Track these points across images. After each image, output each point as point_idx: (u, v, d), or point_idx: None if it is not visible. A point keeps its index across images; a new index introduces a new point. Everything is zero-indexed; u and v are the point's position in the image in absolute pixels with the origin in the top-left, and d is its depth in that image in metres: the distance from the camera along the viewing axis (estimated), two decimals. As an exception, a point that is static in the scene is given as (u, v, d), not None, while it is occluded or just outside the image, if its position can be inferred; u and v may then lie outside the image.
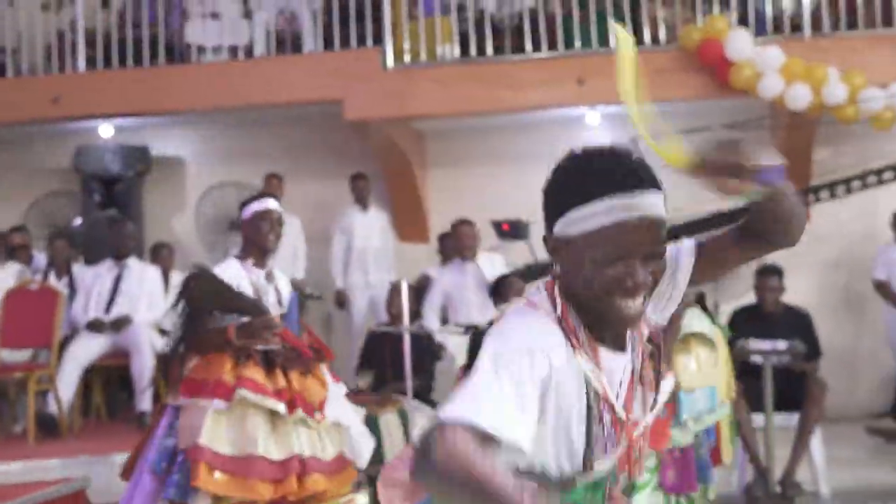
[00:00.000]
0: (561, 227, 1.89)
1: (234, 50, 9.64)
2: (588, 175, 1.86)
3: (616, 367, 1.96)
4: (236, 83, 9.26)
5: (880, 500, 6.53)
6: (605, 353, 1.94)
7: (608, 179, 1.84)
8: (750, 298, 7.25)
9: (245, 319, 4.57)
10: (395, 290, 7.09)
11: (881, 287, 9.07)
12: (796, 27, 9.04)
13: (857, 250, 9.67)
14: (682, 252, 2.05)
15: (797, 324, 7.07)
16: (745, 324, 6.86)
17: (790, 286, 7.41)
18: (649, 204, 1.84)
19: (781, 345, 6.45)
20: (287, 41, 9.63)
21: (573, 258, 1.88)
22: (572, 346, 1.89)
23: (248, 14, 9.77)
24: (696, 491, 4.80)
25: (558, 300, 1.93)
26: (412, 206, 9.94)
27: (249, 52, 9.64)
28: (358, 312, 9.45)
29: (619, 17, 9.12)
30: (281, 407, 4.52)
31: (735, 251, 2.09)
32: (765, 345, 6.45)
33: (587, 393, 1.91)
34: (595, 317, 1.91)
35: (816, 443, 6.66)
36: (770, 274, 7.04)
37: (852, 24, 9.05)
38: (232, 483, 4.39)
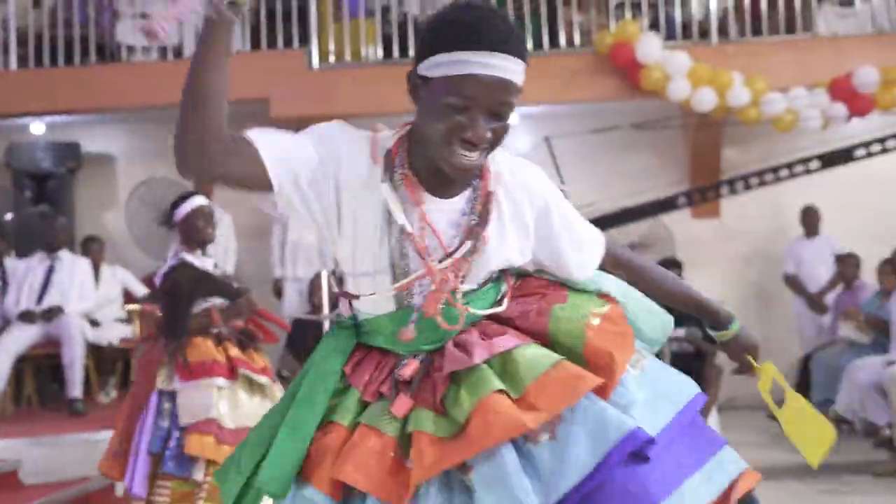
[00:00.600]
0: (424, 68, 2.01)
1: (163, 50, 9.79)
2: (461, 26, 1.97)
3: (439, 212, 2.09)
4: (166, 82, 9.21)
5: (774, 477, 6.87)
6: (430, 198, 2.08)
7: (478, 35, 1.95)
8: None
9: (217, 301, 4.98)
10: (315, 280, 7.32)
11: (791, 280, 9.46)
12: (704, 33, 9.41)
13: (766, 246, 10.03)
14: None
15: (696, 312, 7.37)
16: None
17: (703, 282, 7.74)
18: (507, 68, 1.97)
19: (679, 332, 6.83)
20: (215, 41, 9.78)
21: (428, 99, 2.01)
22: (389, 179, 2.06)
23: (177, 15, 9.88)
24: None
25: (397, 133, 2.11)
26: (339, 202, 10.11)
27: (179, 52, 9.78)
28: (289, 304, 9.61)
29: (537, 21, 9.44)
30: (266, 381, 4.93)
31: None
32: (664, 332, 6.82)
33: (389, 225, 2.07)
34: (432, 164, 2.05)
35: (713, 423, 6.96)
36: (669, 266, 7.37)
37: (757, 31, 9.43)
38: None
